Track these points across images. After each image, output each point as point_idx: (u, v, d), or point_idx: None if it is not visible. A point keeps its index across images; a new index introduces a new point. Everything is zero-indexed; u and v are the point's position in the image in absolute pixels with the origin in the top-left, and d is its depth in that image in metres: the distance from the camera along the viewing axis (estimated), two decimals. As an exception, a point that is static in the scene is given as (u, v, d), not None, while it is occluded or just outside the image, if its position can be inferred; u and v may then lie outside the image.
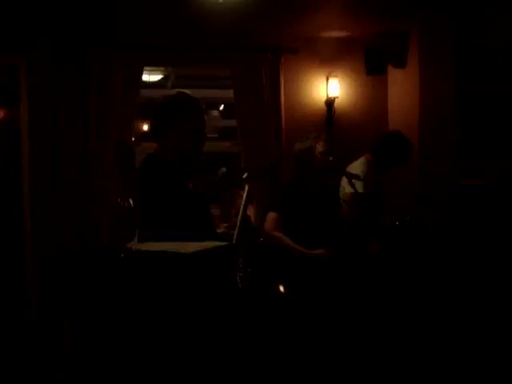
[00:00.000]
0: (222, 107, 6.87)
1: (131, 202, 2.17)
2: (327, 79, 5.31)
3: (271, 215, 3.83)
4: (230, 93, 5.22)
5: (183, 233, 2.24)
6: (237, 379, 2.53)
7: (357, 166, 4.26)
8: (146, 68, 5.04)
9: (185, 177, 2.70)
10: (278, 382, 3.34)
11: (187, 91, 2.78)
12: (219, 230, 5.02)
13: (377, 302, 3.72)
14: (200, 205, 2.70)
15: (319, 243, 3.68)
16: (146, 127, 6.53)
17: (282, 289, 3.43)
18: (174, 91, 2.85)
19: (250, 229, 2.99)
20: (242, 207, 2.82)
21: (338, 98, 5.32)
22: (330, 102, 5.32)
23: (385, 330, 3.72)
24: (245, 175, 3.09)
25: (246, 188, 2.90)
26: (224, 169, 3.18)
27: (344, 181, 4.00)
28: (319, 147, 3.81)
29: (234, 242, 2.66)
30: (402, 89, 5.28)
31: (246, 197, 2.88)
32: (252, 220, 5.28)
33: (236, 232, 2.71)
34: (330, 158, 3.83)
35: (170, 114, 2.68)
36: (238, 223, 2.76)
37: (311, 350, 3.46)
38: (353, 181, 3.74)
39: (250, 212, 5.34)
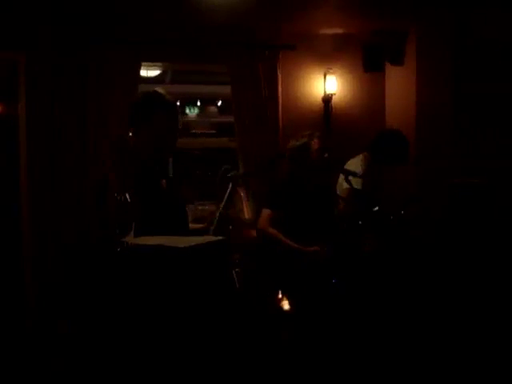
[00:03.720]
0: (219, 103, 6.89)
1: (128, 196, 2.18)
2: (325, 76, 5.32)
3: (265, 212, 3.84)
4: (227, 89, 5.23)
5: (155, 230, 2.26)
6: (231, 374, 2.54)
7: (354, 163, 4.26)
8: (143, 64, 5.04)
9: (158, 175, 2.71)
10: (274, 380, 3.36)
11: (162, 90, 2.78)
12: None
13: (373, 298, 3.72)
14: (172, 203, 2.70)
15: (314, 240, 3.70)
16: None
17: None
18: (151, 90, 2.84)
19: (227, 228, 3.00)
20: (222, 204, 2.84)
21: (335, 94, 5.34)
22: (327, 99, 5.34)
23: (382, 327, 3.73)
24: (230, 174, 3.11)
25: (230, 187, 2.92)
26: (227, 166, 3.20)
27: (341, 177, 4.02)
28: (314, 144, 3.83)
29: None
30: (399, 86, 5.29)
31: (228, 195, 2.89)
32: (248, 217, 5.30)
33: (213, 229, 2.72)
34: (326, 155, 3.84)
35: (145, 112, 2.69)
36: (216, 220, 2.78)
37: (308, 348, 3.48)
38: (349, 177, 3.75)
39: (248, 209, 5.35)
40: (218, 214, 2.81)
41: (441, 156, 4.89)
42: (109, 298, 2.42)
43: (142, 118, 2.69)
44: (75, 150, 4.76)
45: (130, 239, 2.14)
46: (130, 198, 2.20)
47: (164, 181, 2.72)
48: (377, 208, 3.77)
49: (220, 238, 2.42)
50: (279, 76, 5.19)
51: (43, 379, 3.79)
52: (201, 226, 3.08)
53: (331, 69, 5.32)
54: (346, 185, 3.81)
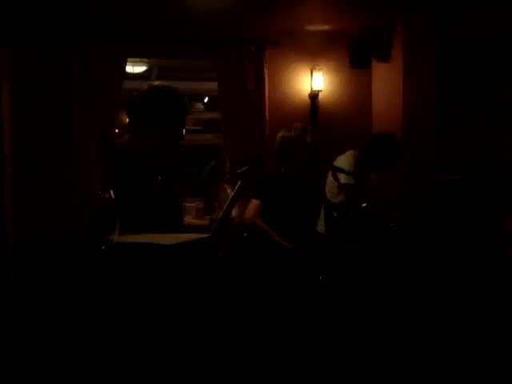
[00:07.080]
0: (206, 99, 6.86)
1: (112, 193, 2.16)
2: (311, 72, 5.32)
3: (253, 202, 3.81)
4: (214, 85, 5.21)
5: (145, 227, 2.22)
6: (219, 369, 2.54)
7: (344, 160, 4.26)
8: (129, 59, 5.01)
9: (153, 173, 2.65)
10: (257, 374, 3.36)
11: (170, 85, 2.71)
12: (201, 222, 5.02)
13: (360, 296, 3.73)
14: (164, 200, 2.65)
15: (296, 234, 3.69)
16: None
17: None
18: (158, 83, 2.77)
19: (230, 226, 2.91)
20: (228, 201, 2.75)
21: (321, 91, 5.34)
22: (313, 96, 5.33)
23: (369, 323, 3.74)
24: (241, 170, 3.04)
25: (239, 183, 2.83)
26: (213, 162, 3.16)
27: (330, 177, 4.01)
28: (308, 138, 3.80)
29: (210, 233, 2.60)
30: (385, 83, 5.30)
31: (236, 192, 2.81)
32: (235, 215, 5.28)
33: (215, 224, 2.66)
34: (315, 151, 3.83)
35: (149, 109, 2.62)
36: (221, 216, 2.72)
37: (294, 343, 3.48)
38: (337, 174, 3.74)
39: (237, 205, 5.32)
40: (221, 213, 2.72)
41: (427, 152, 4.91)
42: (95, 296, 2.40)
43: (145, 116, 2.62)
44: (60, 147, 4.74)
45: (116, 237, 2.12)
46: (114, 194, 2.17)
47: (159, 178, 2.66)
48: (364, 204, 3.76)
49: (205, 235, 2.40)
50: (266, 73, 5.18)
51: (28, 379, 3.76)
52: (202, 222, 3.00)
53: (318, 65, 5.32)
54: (335, 183, 3.80)
